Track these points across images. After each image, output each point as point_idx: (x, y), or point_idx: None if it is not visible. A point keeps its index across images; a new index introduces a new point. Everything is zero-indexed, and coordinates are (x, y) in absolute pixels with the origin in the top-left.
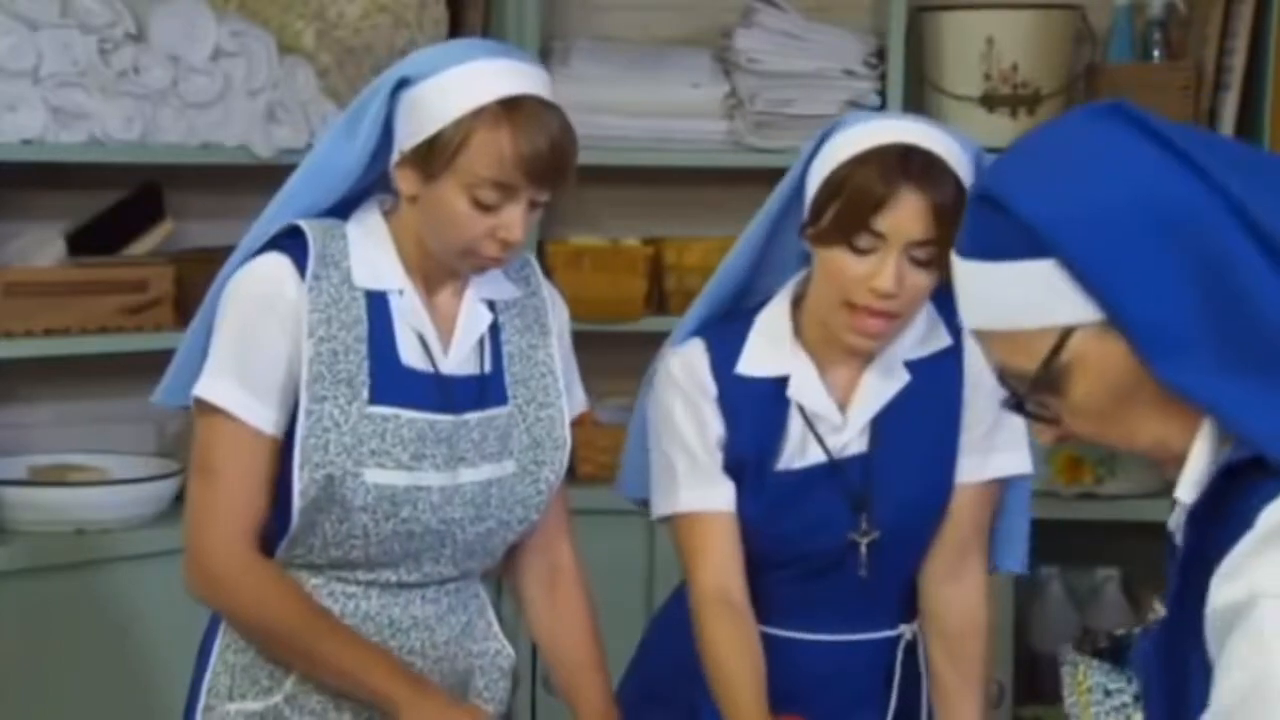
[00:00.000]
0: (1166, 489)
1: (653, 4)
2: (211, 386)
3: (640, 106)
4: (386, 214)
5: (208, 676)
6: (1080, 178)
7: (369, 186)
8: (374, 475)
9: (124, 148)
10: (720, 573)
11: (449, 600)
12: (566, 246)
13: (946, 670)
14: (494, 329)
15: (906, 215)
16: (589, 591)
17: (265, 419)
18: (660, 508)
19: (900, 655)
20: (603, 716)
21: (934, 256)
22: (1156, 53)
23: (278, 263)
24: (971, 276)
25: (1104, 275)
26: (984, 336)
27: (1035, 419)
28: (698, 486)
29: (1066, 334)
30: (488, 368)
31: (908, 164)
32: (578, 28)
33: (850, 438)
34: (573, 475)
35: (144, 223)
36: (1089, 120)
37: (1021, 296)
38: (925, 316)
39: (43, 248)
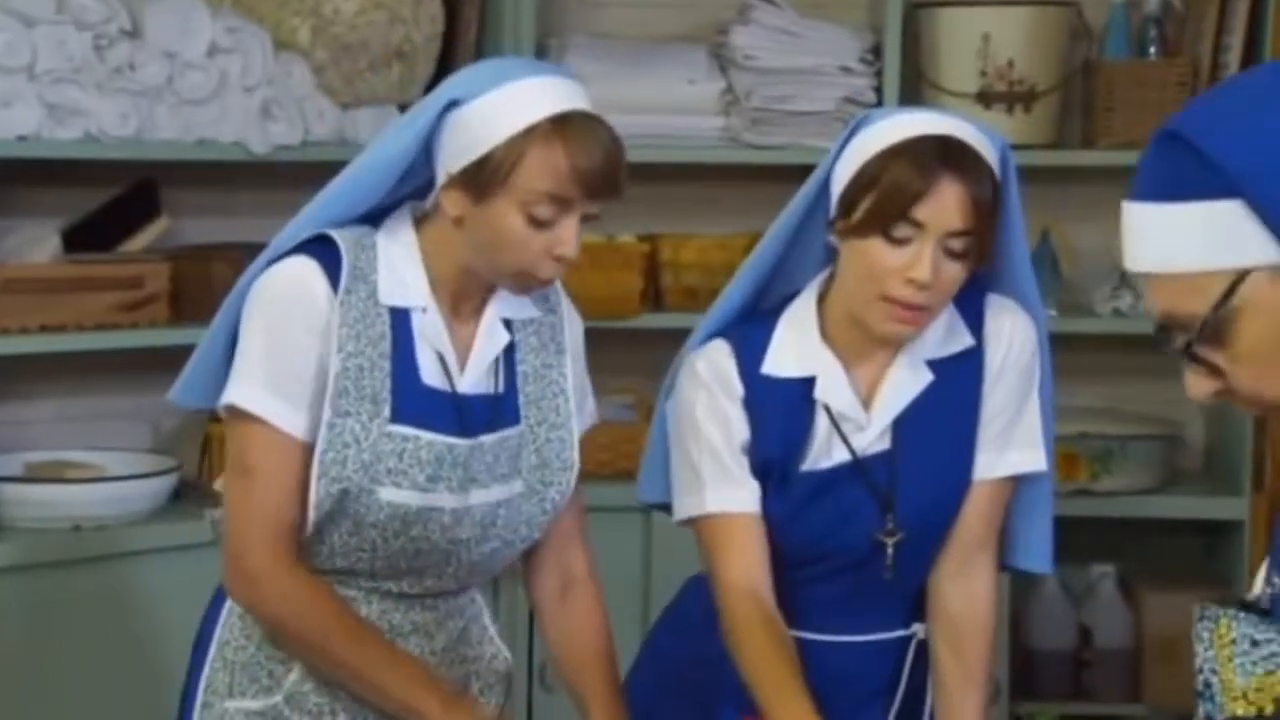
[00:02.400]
0: (1162, 486)
1: (649, 1)
2: (242, 393)
3: (637, 103)
4: (418, 222)
5: (205, 673)
6: (1270, 118)
7: (401, 199)
8: (389, 494)
9: (119, 144)
10: (749, 573)
11: (446, 606)
12: None
13: (950, 665)
14: (509, 348)
15: (946, 205)
16: (602, 600)
17: (296, 424)
18: (684, 509)
19: (911, 654)
20: None
21: (968, 247)
22: (1152, 49)
23: (306, 266)
24: (1149, 218)
25: None
26: (1154, 281)
27: (1200, 365)
28: (724, 487)
29: (1241, 276)
30: (501, 387)
31: (946, 154)
32: (574, 24)
33: (873, 436)
34: None
35: (140, 219)
36: None
37: (1202, 237)
38: (945, 316)
39: (38, 244)
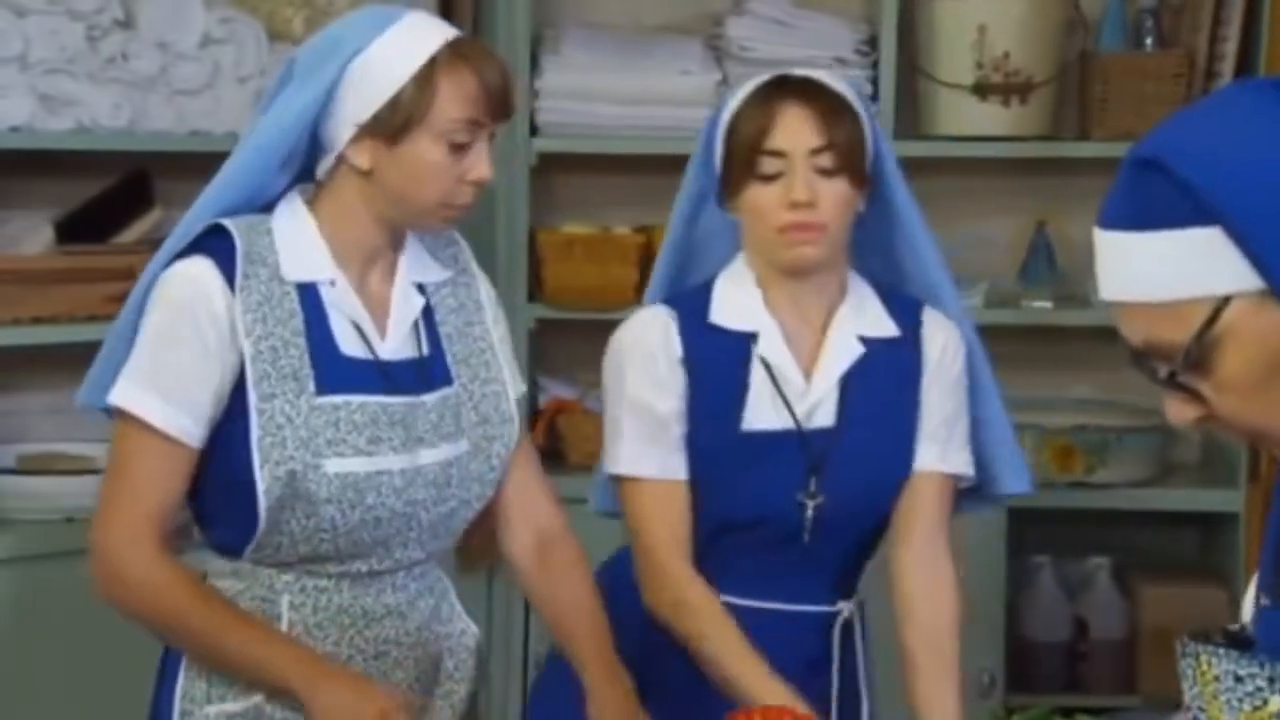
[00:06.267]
0: (1158, 478)
1: None
2: (124, 391)
3: (631, 94)
4: (309, 204)
5: (179, 684)
6: (1248, 144)
7: (288, 185)
8: (334, 465)
9: (112, 135)
10: (682, 537)
11: (416, 585)
12: (557, 235)
13: (925, 658)
14: (427, 311)
15: (796, 126)
16: (584, 558)
17: (175, 424)
18: (611, 465)
19: (838, 633)
20: (610, 684)
21: (837, 164)
22: (1149, 40)
23: (202, 268)
24: (1125, 248)
25: (1270, 241)
26: (1132, 311)
27: (1183, 392)
28: (651, 451)
29: (1223, 303)
30: (426, 350)
31: (783, 86)
32: (568, 15)
33: (815, 401)
34: (563, 463)
35: (133, 211)
36: (1254, 92)
37: (1180, 265)
38: (874, 302)
39: (31, 235)
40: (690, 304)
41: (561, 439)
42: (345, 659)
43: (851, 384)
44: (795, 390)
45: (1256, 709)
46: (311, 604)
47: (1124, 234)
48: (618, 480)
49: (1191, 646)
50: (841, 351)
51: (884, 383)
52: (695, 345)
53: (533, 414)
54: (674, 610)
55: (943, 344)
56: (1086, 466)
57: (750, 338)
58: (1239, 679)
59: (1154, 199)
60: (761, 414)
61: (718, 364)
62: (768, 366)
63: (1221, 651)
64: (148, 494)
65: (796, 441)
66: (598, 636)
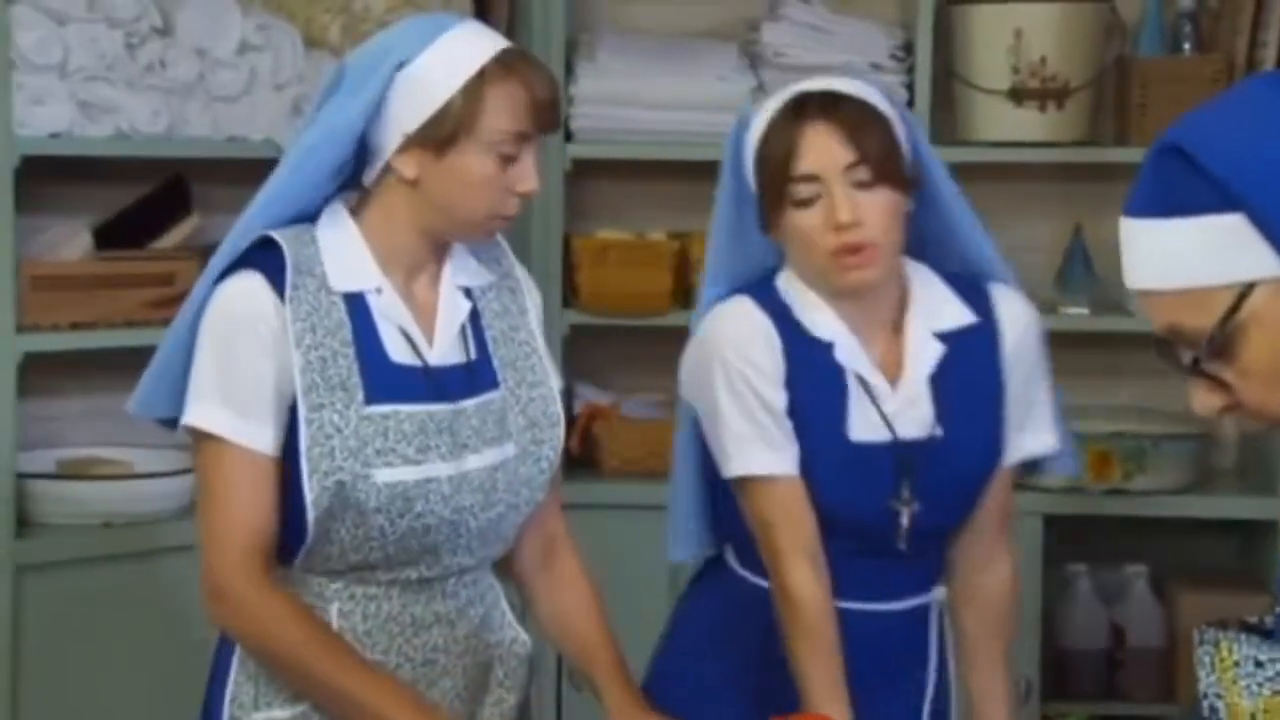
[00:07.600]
0: (1196, 485)
1: None
2: (199, 413)
3: (666, 100)
4: (353, 211)
5: (229, 688)
6: (1271, 133)
7: (330, 195)
8: (383, 475)
9: (150, 141)
10: (811, 532)
11: (467, 593)
12: (592, 241)
13: (983, 640)
14: (474, 315)
15: (824, 146)
16: (581, 558)
17: (257, 437)
18: (735, 469)
19: (934, 622)
20: (622, 686)
21: (874, 175)
22: (1187, 45)
23: (254, 283)
24: (1150, 235)
25: None
26: (1156, 297)
27: (1208, 380)
28: (770, 449)
29: (1247, 290)
30: (473, 354)
31: (803, 107)
32: (604, 20)
33: (902, 407)
34: (598, 469)
35: (170, 216)
36: (1278, 83)
37: (1205, 252)
38: (940, 293)
39: (70, 241)
40: (769, 301)
41: (596, 445)
42: (393, 667)
43: (941, 385)
44: (884, 397)
45: (1277, 693)
46: (360, 611)
47: (1149, 221)
48: (743, 480)
49: (1210, 633)
50: (922, 353)
51: (970, 376)
52: (789, 342)
53: (568, 420)
54: (784, 603)
55: (1021, 322)
56: (1124, 473)
57: (830, 346)
58: (1259, 664)
59: (1178, 186)
60: (861, 423)
61: (811, 367)
62: (859, 377)
63: (1242, 637)
64: (247, 515)
65: (889, 449)
66: (608, 648)
